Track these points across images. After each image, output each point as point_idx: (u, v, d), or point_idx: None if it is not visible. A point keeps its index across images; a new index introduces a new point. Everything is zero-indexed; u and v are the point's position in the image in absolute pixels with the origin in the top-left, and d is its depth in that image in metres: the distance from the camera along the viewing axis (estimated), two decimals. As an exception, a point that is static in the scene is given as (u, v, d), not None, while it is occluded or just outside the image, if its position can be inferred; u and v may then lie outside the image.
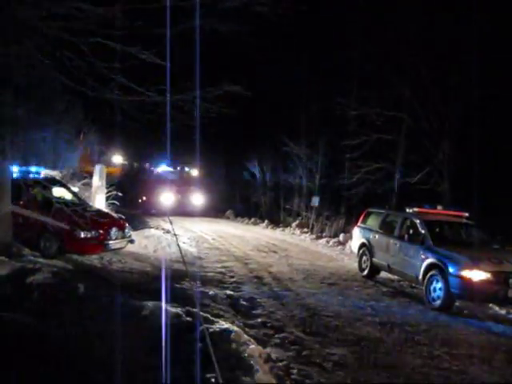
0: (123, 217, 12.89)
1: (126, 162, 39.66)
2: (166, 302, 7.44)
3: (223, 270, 12.17)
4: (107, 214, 13.07)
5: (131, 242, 12.45)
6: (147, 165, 36.00)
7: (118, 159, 36.64)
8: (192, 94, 7.57)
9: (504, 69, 17.18)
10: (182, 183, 30.97)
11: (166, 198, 28.58)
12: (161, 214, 25.43)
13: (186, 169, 33.14)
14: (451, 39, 17.82)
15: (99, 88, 7.46)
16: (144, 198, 31.18)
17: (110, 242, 11.38)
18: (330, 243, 19.65)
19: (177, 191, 29.57)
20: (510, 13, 16.38)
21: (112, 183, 17.61)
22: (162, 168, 32.46)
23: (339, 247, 18.73)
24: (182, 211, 28.01)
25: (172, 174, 31.88)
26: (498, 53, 17.28)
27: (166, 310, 6.45)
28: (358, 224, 13.91)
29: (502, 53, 17.17)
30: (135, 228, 14.95)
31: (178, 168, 32.92)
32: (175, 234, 13.70)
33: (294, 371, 5.78)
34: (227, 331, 5.90)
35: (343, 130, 23.23)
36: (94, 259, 11.34)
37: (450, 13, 17.49)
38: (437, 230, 11.30)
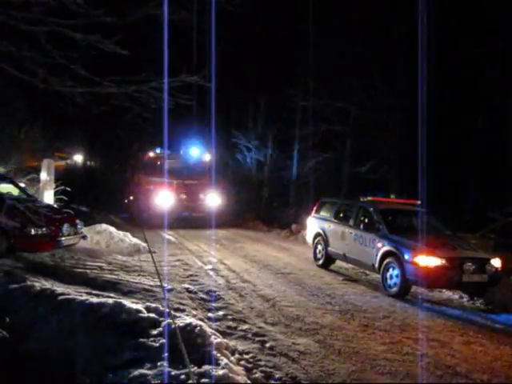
0: (72, 212, 12.49)
1: (80, 156, 37.07)
2: (125, 297, 7.29)
3: (178, 263, 12.05)
4: (58, 209, 12.66)
5: (84, 237, 12.14)
6: (134, 147, 25.94)
7: (65, 154, 34.79)
8: (148, 85, 7.44)
9: (452, 59, 17.69)
10: (189, 174, 20.98)
11: (164, 198, 19.87)
12: (156, 222, 19.18)
13: (195, 151, 21.89)
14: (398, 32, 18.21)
15: (51, 79, 7.18)
16: (131, 198, 23.42)
17: (62, 238, 11.00)
18: (282, 234, 19.75)
19: (180, 187, 20.55)
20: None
21: (59, 178, 17.08)
22: (157, 152, 21.43)
23: (291, 237, 18.85)
24: (188, 218, 20.67)
25: (172, 161, 20.91)
26: (445, 44, 17.80)
27: (127, 306, 6.30)
28: (312, 214, 13.97)
29: (448, 44, 17.69)
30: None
31: (181, 152, 21.92)
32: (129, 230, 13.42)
33: (262, 363, 5.76)
34: (191, 325, 5.82)
35: (292, 121, 23.38)
36: (45, 256, 10.96)
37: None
38: (391, 218, 11.48)
